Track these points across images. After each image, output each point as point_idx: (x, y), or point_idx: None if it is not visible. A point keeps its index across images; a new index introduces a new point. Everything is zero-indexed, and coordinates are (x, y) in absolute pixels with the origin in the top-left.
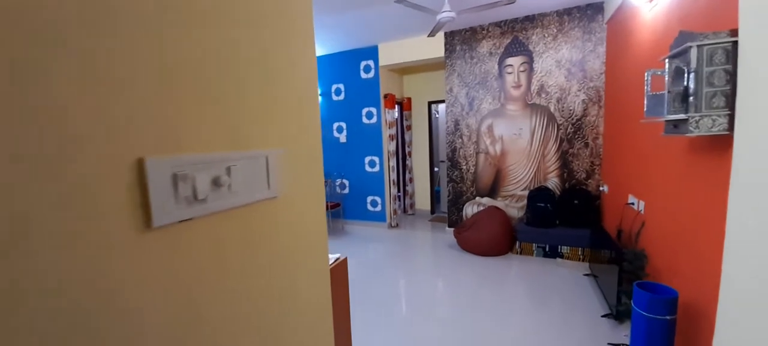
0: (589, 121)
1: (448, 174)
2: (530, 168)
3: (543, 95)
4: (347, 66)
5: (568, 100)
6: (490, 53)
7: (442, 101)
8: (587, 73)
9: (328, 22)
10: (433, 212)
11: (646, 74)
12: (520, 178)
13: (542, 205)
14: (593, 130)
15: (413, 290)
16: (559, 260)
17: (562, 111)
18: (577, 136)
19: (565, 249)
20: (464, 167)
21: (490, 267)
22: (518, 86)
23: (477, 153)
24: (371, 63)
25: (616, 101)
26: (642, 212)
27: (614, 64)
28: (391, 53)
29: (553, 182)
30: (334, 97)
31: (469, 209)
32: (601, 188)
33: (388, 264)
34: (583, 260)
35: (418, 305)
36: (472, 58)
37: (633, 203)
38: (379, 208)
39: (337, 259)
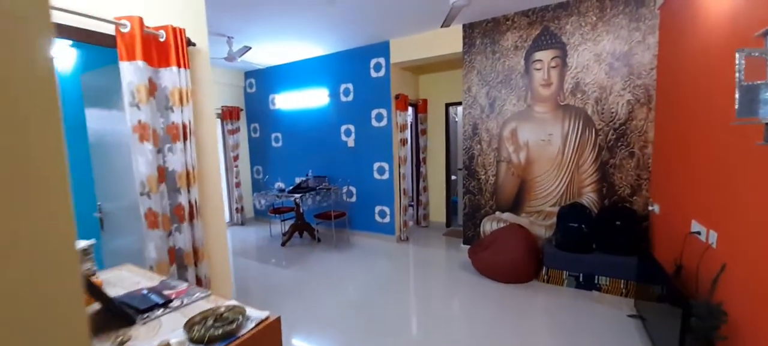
0: (636, 125)
1: (464, 185)
2: (561, 180)
3: (578, 95)
4: (356, 65)
5: (610, 101)
6: (516, 47)
7: (460, 103)
8: (634, 69)
9: (333, 17)
10: (448, 224)
11: (736, 56)
12: (548, 191)
13: (575, 225)
14: (641, 137)
15: (414, 321)
16: (596, 293)
17: (602, 114)
18: (620, 143)
19: (603, 280)
20: (483, 177)
21: (509, 297)
22: (548, 84)
23: (498, 162)
24: (382, 61)
25: (672, 101)
26: (713, 245)
27: (671, 56)
28: (403, 50)
29: (589, 197)
30: (343, 99)
31: (488, 225)
32: (649, 208)
33: (390, 285)
34: (626, 296)
35: (417, 341)
36: (494, 53)
37: (699, 233)
38: (387, 219)
39: (267, 318)
